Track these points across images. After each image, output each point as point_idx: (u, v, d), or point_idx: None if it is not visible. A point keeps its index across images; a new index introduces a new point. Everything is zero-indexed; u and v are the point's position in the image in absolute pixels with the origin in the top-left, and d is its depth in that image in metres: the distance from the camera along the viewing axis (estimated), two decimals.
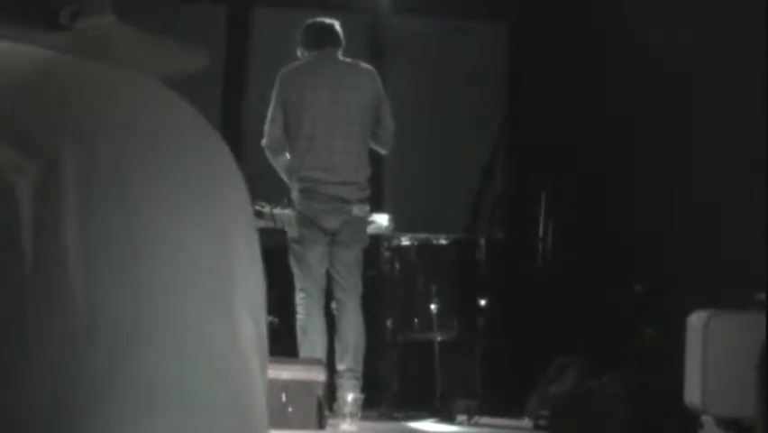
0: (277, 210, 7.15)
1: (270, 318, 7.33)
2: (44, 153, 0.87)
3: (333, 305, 6.59)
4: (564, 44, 8.20)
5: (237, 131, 8.90)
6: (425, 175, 8.49)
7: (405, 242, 7.07)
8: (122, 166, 0.89)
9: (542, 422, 6.65)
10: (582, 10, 8.15)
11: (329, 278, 6.60)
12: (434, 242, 7.09)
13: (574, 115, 7.97)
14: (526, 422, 6.77)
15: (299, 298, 6.54)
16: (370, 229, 7.15)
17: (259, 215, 7.21)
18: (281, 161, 6.65)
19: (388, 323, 6.99)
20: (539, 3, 8.68)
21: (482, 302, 7.03)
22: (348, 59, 6.73)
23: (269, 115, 6.61)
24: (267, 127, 6.62)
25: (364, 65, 6.78)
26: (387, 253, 7.06)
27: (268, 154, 6.65)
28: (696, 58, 6.93)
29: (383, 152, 6.81)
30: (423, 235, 7.14)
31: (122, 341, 0.86)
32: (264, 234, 7.02)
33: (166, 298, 0.89)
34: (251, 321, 0.93)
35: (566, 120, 8.02)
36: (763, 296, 5.91)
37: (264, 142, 6.63)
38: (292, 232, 6.58)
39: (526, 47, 8.91)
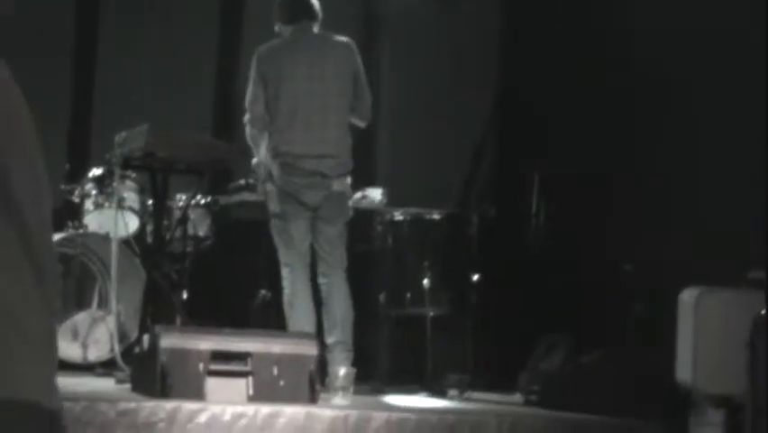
0: (268, 185, 7.12)
1: (263, 292, 7.33)
2: None
3: (320, 279, 6.57)
4: (558, 21, 8.18)
5: (230, 113, 8.86)
6: (419, 150, 8.47)
7: (398, 216, 7.05)
8: None
9: (533, 397, 6.66)
10: None
11: (313, 253, 6.57)
12: (427, 217, 7.08)
13: (568, 91, 7.96)
14: (517, 397, 6.78)
15: (284, 272, 6.51)
16: (364, 204, 7.13)
17: (251, 188, 7.20)
18: (262, 139, 6.54)
19: (381, 298, 6.98)
20: None
21: (474, 278, 7.03)
22: (325, 33, 6.66)
23: (249, 93, 6.52)
24: (249, 105, 6.54)
25: (342, 37, 6.69)
26: (379, 228, 7.05)
27: (249, 131, 6.51)
28: (700, 39, 6.92)
29: (361, 125, 6.74)
30: (415, 210, 7.13)
31: None
32: (256, 207, 7.02)
33: None
34: None
35: (560, 97, 8.01)
36: (755, 274, 5.93)
37: (247, 118, 6.52)
38: (273, 207, 6.53)
39: (519, 23, 8.88)
